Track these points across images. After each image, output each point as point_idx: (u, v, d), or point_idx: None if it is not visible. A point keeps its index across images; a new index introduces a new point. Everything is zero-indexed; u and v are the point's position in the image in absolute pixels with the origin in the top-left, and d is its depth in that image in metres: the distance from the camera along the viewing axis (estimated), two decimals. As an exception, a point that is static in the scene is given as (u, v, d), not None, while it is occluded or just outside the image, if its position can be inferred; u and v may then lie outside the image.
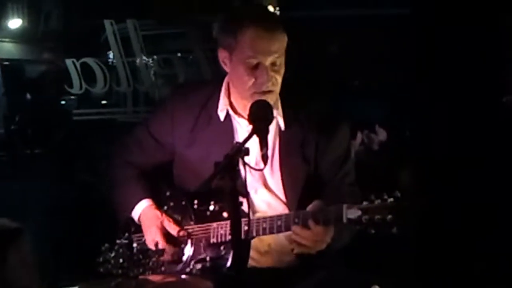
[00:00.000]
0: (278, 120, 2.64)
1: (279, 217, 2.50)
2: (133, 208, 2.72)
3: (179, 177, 2.76)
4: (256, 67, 2.49)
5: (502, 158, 4.88)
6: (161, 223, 2.65)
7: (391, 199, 2.29)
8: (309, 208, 2.46)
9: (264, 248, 2.68)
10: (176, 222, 2.65)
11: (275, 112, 2.56)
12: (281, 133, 2.64)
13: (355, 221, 2.31)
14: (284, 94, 2.65)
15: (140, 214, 2.69)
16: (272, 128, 2.59)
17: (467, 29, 5.45)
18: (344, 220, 2.34)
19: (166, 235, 2.64)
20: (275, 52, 2.49)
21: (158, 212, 2.68)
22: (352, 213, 2.33)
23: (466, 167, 4.95)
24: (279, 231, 2.49)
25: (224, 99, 2.65)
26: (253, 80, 2.51)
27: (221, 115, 2.65)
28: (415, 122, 5.69)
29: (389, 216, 2.26)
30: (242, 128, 2.61)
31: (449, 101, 5.47)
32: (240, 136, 2.54)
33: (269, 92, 2.54)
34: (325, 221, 2.39)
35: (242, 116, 2.62)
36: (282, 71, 2.55)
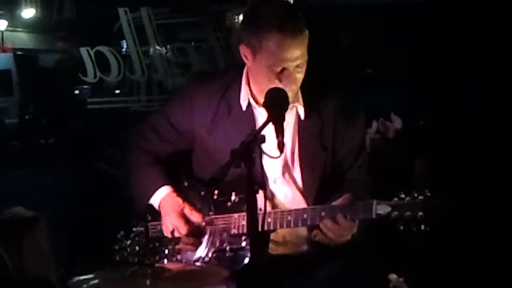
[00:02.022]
0: (298, 109, 2.63)
1: (305, 210, 2.48)
2: (152, 194, 2.70)
3: (199, 168, 2.75)
4: (281, 72, 2.49)
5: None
6: (182, 210, 2.64)
7: (421, 197, 2.29)
8: (339, 201, 2.46)
9: (279, 239, 2.67)
10: (198, 210, 2.64)
11: (295, 101, 2.55)
12: (300, 123, 2.63)
13: (384, 217, 2.31)
14: (304, 84, 2.64)
15: (161, 201, 2.68)
16: (292, 117, 2.58)
17: (482, 17, 5.41)
18: (374, 215, 2.33)
19: (187, 222, 2.63)
20: (300, 57, 2.48)
21: (179, 200, 2.67)
22: (382, 208, 2.32)
23: (480, 158, 4.93)
24: (304, 224, 2.49)
25: (245, 89, 2.63)
26: (277, 82, 2.51)
27: (243, 105, 2.64)
28: (430, 111, 5.66)
29: (420, 213, 2.26)
30: (263, 117, 2.60)
31: (466, 89, 5.45)
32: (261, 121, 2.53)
33: (291, 90, 2.54)
34: (354, 216, 2.38)
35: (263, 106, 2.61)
36: (305, 68, 2.54)
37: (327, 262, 2.52)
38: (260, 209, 2.20)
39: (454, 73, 5.61)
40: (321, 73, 2.90)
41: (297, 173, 2.62)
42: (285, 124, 2.38)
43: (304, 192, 2.62)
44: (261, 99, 2.53)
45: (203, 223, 2.59)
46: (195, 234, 2.61)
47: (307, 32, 2.50)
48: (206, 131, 2.66)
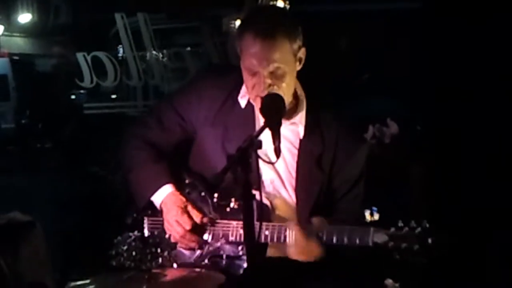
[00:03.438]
0: (299, 128, 2.63)
1: (280, 227, 2.49)
2: (154, 192, 2.69)
3: (196, 161, 2.75)
4: (254, 74, 2.51)
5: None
6: (186, 206, 2.64)
7: (419, 229, 2.29)
8: (316, 222, 2.48)
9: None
10: (199, 209, 2.64)
11: (296, 119, 2.57)
12: (301, 142, 2.64)
13: (381, 246, 2.32)
14: (308, 103, 2.65)
15: (163, 199, 2.67)
16: (292, 135, 2.60)
17: (479, 21, 5.42)
18: (370, 243, 2.34)
19: (191, 218, 2.62)
20: (274, 61, 2.48)
21: (183, 198, 2.67)
22: (379, 237, 2.32)
23: (478, 161, 4.94)
24: (272, 240, 2.50)
25: (245, 87, 2.65)
26: (253, 85, 2.53)
27: (242, 102, 2.65)
28: (426, 116, 5.67)
29: (416, 247, 2.27)
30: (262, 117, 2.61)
31: (461, 94, 5.45)
32: (260, 124, 2.54)
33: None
34: (351, 241, 2.39)
35: None
36: (288, 78, 2.53)
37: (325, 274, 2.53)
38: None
39: (452, 78, 5.62)
40: (323, 85, 2.91)
41: (291, 189, 2.63)
42: (285, 140, 2.40)
43: (297, 212, 2.62)
44: (256, 104, 2.56)
45: (206, 221, 2.59)
46: (196, 234, 2.61)
47: (287, 40, 2.49)
48: (209, 123, 2.67)
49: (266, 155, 2.41)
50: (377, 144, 4.85)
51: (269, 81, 2.47)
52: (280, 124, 2.34)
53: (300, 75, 2.63)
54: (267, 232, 2.49)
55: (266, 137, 2.25)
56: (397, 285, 2.63)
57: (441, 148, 5.25)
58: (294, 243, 2.45)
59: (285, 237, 2.47)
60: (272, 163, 2.43)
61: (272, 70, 2.47)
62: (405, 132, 5.11)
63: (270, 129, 2.30)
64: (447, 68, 5.67)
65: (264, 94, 2.46)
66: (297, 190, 2.61)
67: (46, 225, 3.01)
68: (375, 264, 2.59)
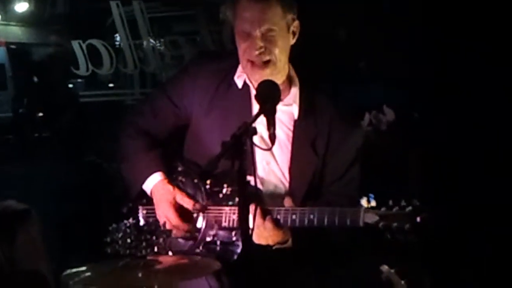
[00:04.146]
0: (293, 109, 2.64)
1: (294, 210, 2.49)
2: (145, 180, 2.71)
3: (191, 148, 2.76)
4: (248, 35, 2.55)
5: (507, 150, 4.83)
6: (174, 198, 2.65)
7: (410, 208, 2.29)
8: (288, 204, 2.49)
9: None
10: (190, 196, 2.65)
11: (290, 99, 2.60)
12: (295, 123, 2.65)
13: (372, 226, 2.32)
14: (301, 83, 2.67)
15: (152, 188, 2.69)
16: (287, 116, 2.61)
17: (476, 11, 5.40)
18: (361, 223, 2.35)
19: (179, 209, 2.63)
20: (266, 22, 2.53)
21: (170, 187, 2.68)
22: (370, 217, 2.33)
23: (476, 151, 4.93)
24: (292, 224, 2.50)
25: (240, 67, 2.67)
26: (245, 48, 2.57)
27: (239, 82, 2.67)
28: (425, 103, 5.66)
29: (407, 225, 2.27)
30: None
31: (458, 86, 5.44)
32: (255, 105, 2.55)
33: (266, 62, 2.56)
34: (341, 222, 2.39)
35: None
36: (281, 43, 2.58)
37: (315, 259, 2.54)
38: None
39: (450, 67, 5.61)
40: (317, 69, 2.93)
41: (285, 170, 2.63)
42: (279, 122, 2.41)
43: (290, 191, 2.63)
44: (249, 76, 2.58)
45: (198, 207, 2.60)
46: (188, 221, 2.62)
47: (280, 7, 2.57)
48: (204, 108, 2.69)
49: (261, 137, 2.42)
50: (374, 131, 4.85)
51: (260, 43, 2.52)
52: (275, 111, 2.35)
53: (296, 61, 2.66)
54: (279, 216, 2.51)
55: (261, 123, 2.26)
56: (392, 271, 2.63)
57: (438, 136, 5.24)
58: (256, 227, 2.46)
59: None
60: (267, 149, 2.44)
61: (264, 32, 2.53)
62: (403, 119, 5.10)
63: (265, 115, 2.31)
64: (446, 56, 5.66)
65: (255, 57, 2.52)
66: (291, 172, 2.63)
67: (43, 213, 3.01)
68: (369, 249, 2.60)
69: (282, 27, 2.56)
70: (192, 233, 2.62)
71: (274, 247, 2.52)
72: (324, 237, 2.52)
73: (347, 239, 2.54)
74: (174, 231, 2.60)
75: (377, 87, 6.05)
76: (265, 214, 2.45)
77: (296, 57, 2.70)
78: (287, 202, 2.51)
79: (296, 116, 2.64)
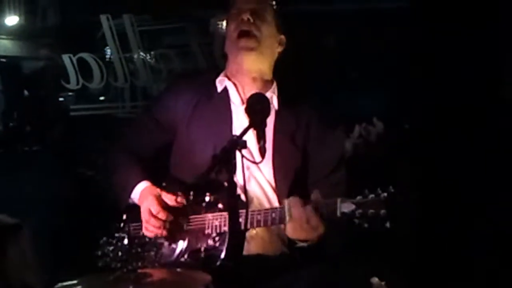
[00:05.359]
0: (273, 99, 2.72)
1: (273, 210, 2.51)
2: (133, 189, 2.75)
3: (176, 161, 2.81)
4: (238, 12, 2.64)
5: (501, 155, 4.86)
6: (159, 193, 2.70)
7: (385, 194, 2.32)
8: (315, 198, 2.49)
9: (250, 234, 2.69)
10: (172, 193, 2.68)
11: (269, 93, 2.67)
12: (276, 115, 2.71)
13: (349, 215, 2.34)
14: (280, 78, 2.74)
15: (141, 192, 2.72)
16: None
17: (466, 22, 5.44)
18: (338, 214, 2.37)
19: (162, 203, 2.66)
20: (257, 2, 2.63)
21: (158, 189, 2.72)
22: (346, 207, 2.35)
23: (464, 161, 4.95)
24: (273, 223, 2.51)
25: (223, 73, 2.75)
26: (235, 25, 2.65)
27: (219, 87, 2.74)
28: (413, 115, 5.68)
29: (383, 211, 2.29)
30: (237, 98, 2.68)
31: (448, 95, 5.47)
32: (235, 109, 2.60)
33: (251, 36, 2.64)
34: (320, 214, 2.41)
35: (236, 88, 2.69)
36: (266, 25, 2.68)
37: (305, 269, 2.54)
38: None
39: (439, 76, 5.64)
40: (300, 72, 2.97)
41: (269, 171, 2.65)
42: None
43: (276, 190, 2.65)
44: (236, 73, 2.61)
45: (181, 201, 2.61)
46: (174, 230, 2.63)
47: (270, 7, 2.63)
48: (187, 119, 2.73)
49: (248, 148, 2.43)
50: (364, 143, 4.86)
51: (249, 16, 2.59)
52: (265, 125, 2.38)
53: (283, 71, 2.72)
54: (259, 217, 2.50)
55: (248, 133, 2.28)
56: (383, 283, 2.64)
57: (428, 147, 5.27)
58: (294, 220, 2.44)
59: (280, 217, 2.47)
60: (257, 163, 2.45)
61: (254, 7, 2.60)
62: (393, 131, 5.12)
63: (255, 128, 2.33)
64: (436, 67, 5.69)
65: (244, 27, 2.60)
66: (274, 164, 2.64)
67: (34, 227, 3.01)
68: (359, 261, 2.61)
69: (270, 18, 2.70)
70: (175, 248, 2.63)
71: (307, 244, 2.50)
72: (313, 247, 2.53)
73: (336, 250, 2.55)
74: (152, 224, 2.60)
75: (366, 98, 6.08)
76: (309, 206, 2.43)
77: (282, 68, 2.76)
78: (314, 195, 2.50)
79: (276, 106, 2.70)
